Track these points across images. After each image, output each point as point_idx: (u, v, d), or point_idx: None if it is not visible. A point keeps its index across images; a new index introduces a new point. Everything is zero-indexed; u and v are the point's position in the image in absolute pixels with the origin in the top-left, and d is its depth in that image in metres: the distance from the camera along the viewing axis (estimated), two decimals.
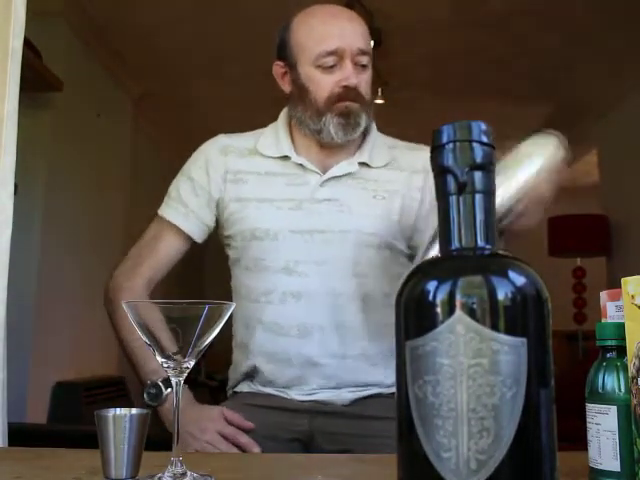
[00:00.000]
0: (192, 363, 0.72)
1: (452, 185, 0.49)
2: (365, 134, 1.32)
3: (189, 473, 0.70)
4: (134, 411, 0.72)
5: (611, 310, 0.72)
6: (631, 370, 0.61)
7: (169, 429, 1.18)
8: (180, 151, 1.53)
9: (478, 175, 0.49)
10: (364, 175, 1.30)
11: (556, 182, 1.00)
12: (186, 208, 1.31)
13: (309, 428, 1.22)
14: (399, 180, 1.31)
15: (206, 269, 5.49)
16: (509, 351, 0.44)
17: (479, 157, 0.49)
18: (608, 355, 0.67)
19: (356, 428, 1.20)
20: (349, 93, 1.23)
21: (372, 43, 1.29)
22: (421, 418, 0.45)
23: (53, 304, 2.79)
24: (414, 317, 0.47)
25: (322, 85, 1.24)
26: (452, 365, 0.44)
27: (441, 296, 0.45)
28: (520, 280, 0.46)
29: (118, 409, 0.73)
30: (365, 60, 1.25)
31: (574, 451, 0.78)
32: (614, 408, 0.64)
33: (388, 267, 1.27)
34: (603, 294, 0.74)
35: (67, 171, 2.89)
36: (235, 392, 1.33)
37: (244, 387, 1.31)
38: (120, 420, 0.70)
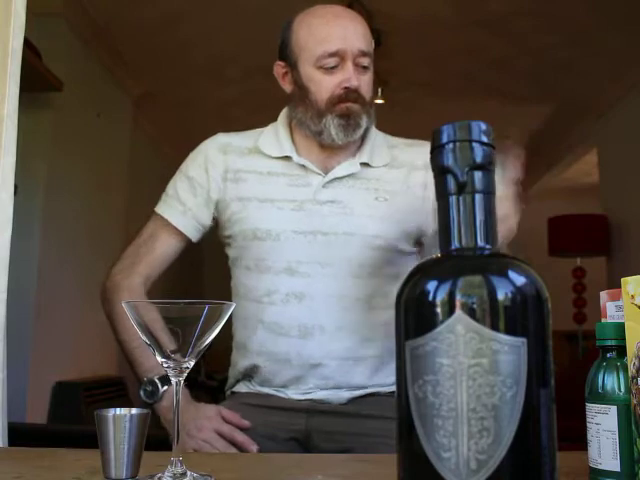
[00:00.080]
0: (192, 363, 0.72)
1: (452, 185, 0.49)
2: (365, 134, 1.32)
3: (189, 473, 0.70)
4: (134, 411, 0.72)
5: (611, 310, 0.72)
6: (631, 370, 0.61)
7: (165, 426, 1.18)
8: (180, 151, 1.53)
9: (478, 175, 0.49)
10: (366, 175, 1.30)
11: (512, 180, 1.06)
12: (183, 206, 1.31)
13: (306, 427, 1.22)
14: (400, 178, 1.31)
15: (206, 269, 5.49)
16: (509, 351, 0.44)
17: (479, 157, 0.49)
18: (608, 355, 0.67)
19: (353, 427, 1.20)
20: (350, 94, 1.23)
21: (373, 44, 1.29)
22: (421, 418, 0.45)
23: (53, 304, 2.79)
24: (414, 317, 0.47)
25: (323, 86, 1.24)
26: (452, 365, 0.44)
27: (441, 296, 0.45)
28: (520, 280, 0.46)
29: (118, 409, 0.73)
30: (366, 61, 1.25)
31: (574, 451, 0.78)
32: (614, 408, 0.64)
33: (391, 267, 1.27)
34: (603, 294, 0.74)
35: (67, 171, 2.89)
36: (233, 392, 1.33)
37: (242, 387, 1.31)
38: (120, 420, 0.70)
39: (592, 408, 0.66)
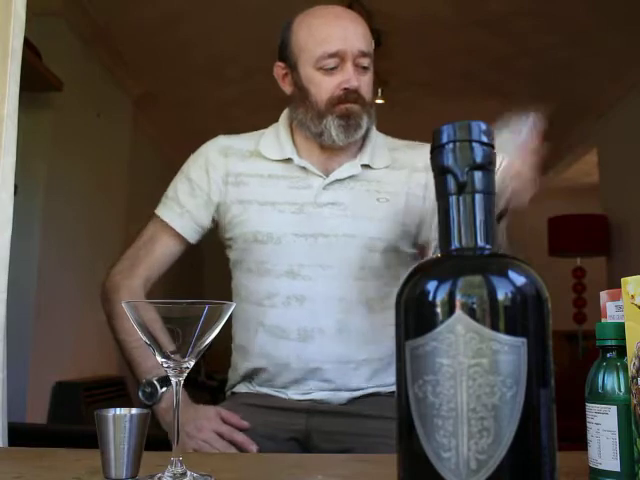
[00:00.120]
0: (192, 363, 0.72)
1: (452, 185, 0.49)
2: (365, 135, 1.32)
3: (189, 473, 0.70)
4: (134, 411, 0.72)
5: (611, 310, 0.72)
6: (631, 370, 0.61)
7: (164, 428, 1.18)
8: (180, 151, 1.53)
9: (478, 175, 0.49)
10: (367, 177, 1.30)
11: (534, 159, 1.02)
12: (182, 209, 1.31)
13: (306, 427, 1.22)
14: (401, 180, 1.31)
15: (206, 270, 5.49)
16: (509, 351, 0.44)
17: (479, 157, 0.49)
18: (608, 355, 0.67)
19: (353, 427, 1.20)
20: (350, 95, 1.23)
21: (373, 44, 1.29)
22: (421, 418, 0.45)
23: (53, 304, 2.79)
24: (414, 317, 0.47)
25: (323, 87, 1.23)
26: (452, 365, 0.44)
27: (441, 296, 0.45)
28: (520, 280, 0.46)
29: (118, 409, 0.73)
30: (366, 62, 1.25)
31: (574, 451, 0.78)
32: (614, 408, 0.64)
33: (392, 269, 1.27)
34: (603, 294, 0.74)
35: (67, 171, 2.89)
36: (233, 393, 1.33)
37: (242, 388, 1.31)
38: (120, 420, 0.70)
39: (592, 408, 0.66)
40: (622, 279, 0.64)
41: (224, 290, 1.35)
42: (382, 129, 1.38)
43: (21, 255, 1.22)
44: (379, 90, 3.13)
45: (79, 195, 3.02)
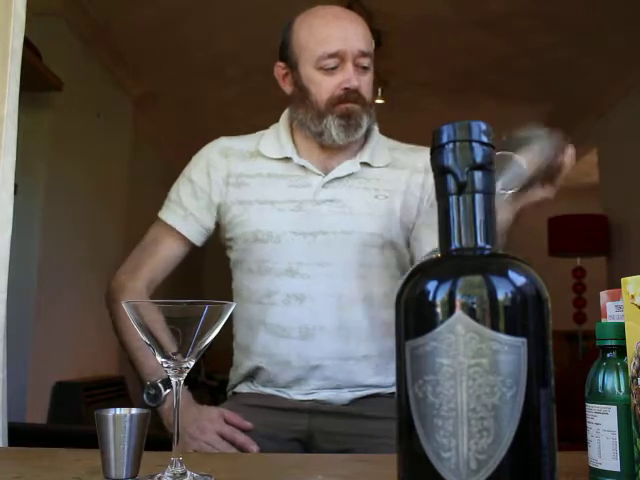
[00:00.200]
0: (192, 363, 0.72)
1: (452, 185, 0.49)
2: (367, 135, 1.32)
3: (189, 473, 0.70)
4: (134, 411, 0.72)
5: (611, 310, 0.72)
6: (631, 370, 0.61)
7: (168, 429, 1.18)
8: (180, 151, 1.53)
9: (478, 175, 0.49)
10: (366, 175, 1.30)
11: (567, 162, 1.03)
12: (185, 211, 1.31)
13: (308, 428, 1.22)
14: (400, 179, 1.31)
15: (206, 270, 5.49)
16: (509, 351, 0.44)
17: (479, 157, 0.49)
18: (608, 355, 0.67)
19: (355, 428, 1.20)
20: (350, 95, 1.23)
21: (373, 44, 1.29)
22: (421, 418, 0.45)
23: (53, 304, 2.79)
24: (414, 317, 0.47)
25: (323, 87, 1.24)
26: (452, 365, 0.44)
27: (441, 296, 0.45)
28: (520, 280, 0.46)
29: (118, 409, 0.73)
30: (366, 62, 1.25)
31: (574, 451, 0.78)
32: (614, 408, 0.64)
33: (391, 267, 1.27)
34: (603, 294, 0.74)
35: (67, 171, 2.89)
36: (235, 393, 1.33)
37: (244, 388, 1.31)
38: (120, 420, 0.70)
39: (592, 408, 0.66)
40: (622, 279, 0.64)
41: (224, 290, 1.35)
42: (382, 129, 1.38)
43: (21, 255, 1.22)
44: (379, 90, 3.13)
45: (79, 195, 3.02)
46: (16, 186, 1.03)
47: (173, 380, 0.72)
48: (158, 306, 0.70)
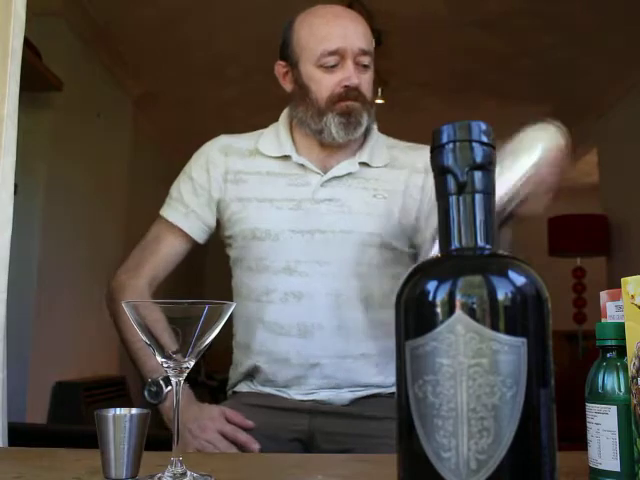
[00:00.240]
0: (192, 363, 0.72)
1: (452, 185, 0.49)
2: (366, 134, 1.32)
3: (189, 473, 0.70)
4: (134, 411, 0.72)
5: (611, 310, 0.72)
6: (631, 370, 0.61)
7: (169, 426, 1.18)
8: (180, 151, 1.53)
9: (478, 175, 0.49)
10: (365, 175, 1.30)
11: (559, 169, 1.00)
12: (187, 208, 1.32)
13: (309, 428, 1.22)
14: (399, 179, 1.31)
15: (206, 269, 5.49)
16: (509, 351, 0.44)
17: (479, 157, 0.49)
18: (608, 355, 0.67)
19: (356, 428, 1.20)
20: (350, 93, 1.23)
21: (373, 43, 1.30)
22: (421, 418, 0.45)
23: (53, 304, 2.79)
24: (414, 317, 0.47)
25: (323, 85, 1.24)
26: (452, 365, 0.44)
27: (441, 296, 0.45)
28: (520, 280, 0.46)
29: (118, 409, 0.73)
30: (367, 60, 1.25)
31: (574, 451, 0.78)
32: (614, 408, 0.64)
33: (389, 267, 1.27)
34: (603, 294, 0.74)
35: (67, 171, 2.89)
36: (235, 392, 1.33)
37: (244, 387, 1.31)
38: (120, 420, 0.70)
39: (592, 408, 0.66)
40: (622, 279, 0.64)
41: (224, 289, 1.36)
42: (382, 129, 1.38)
43: (21, 255, 1.22)
44: (379, 90, 3.13)
45: (79, 195, 3.02)
46: (16, 186, 1.03)
47: (173, 380, 0.72)
48: (158, 306, 0.70)
